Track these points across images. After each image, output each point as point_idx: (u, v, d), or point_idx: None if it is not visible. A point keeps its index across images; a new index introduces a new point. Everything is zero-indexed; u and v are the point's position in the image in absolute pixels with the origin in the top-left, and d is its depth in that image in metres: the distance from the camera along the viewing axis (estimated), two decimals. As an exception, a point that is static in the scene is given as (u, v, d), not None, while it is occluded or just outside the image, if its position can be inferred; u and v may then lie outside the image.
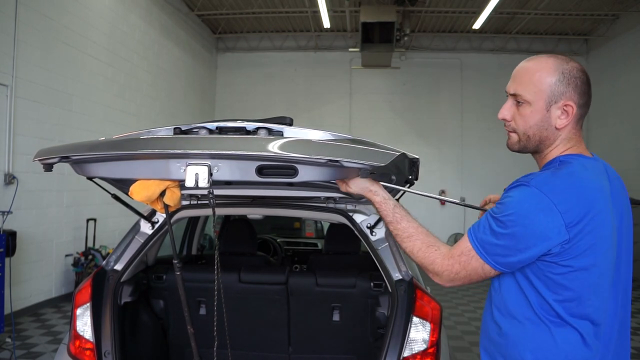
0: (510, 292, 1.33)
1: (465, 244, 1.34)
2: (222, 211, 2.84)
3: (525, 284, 1.30)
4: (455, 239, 11.50)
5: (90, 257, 6.72)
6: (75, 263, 6.66)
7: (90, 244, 7.02)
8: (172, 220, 2.44)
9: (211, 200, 1.62)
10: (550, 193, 1.22)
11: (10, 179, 5.58)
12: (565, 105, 1.34)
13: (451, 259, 1.34)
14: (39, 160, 1.57)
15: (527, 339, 1.29)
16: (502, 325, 1.34)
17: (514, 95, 1.38)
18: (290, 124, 1.72)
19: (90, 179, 1.79)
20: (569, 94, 1.34)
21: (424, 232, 1.45)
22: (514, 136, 1.43)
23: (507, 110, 1.41)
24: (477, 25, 10.58)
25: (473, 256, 1.31)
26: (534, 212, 1.22)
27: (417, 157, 1.69)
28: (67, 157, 1.54)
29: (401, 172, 1.67)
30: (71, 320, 2.34)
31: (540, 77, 1.34)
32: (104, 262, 2.53)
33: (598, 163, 1.38)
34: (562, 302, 1.25)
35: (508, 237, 1.25)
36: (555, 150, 1.39)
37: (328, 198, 2.47)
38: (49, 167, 1.60)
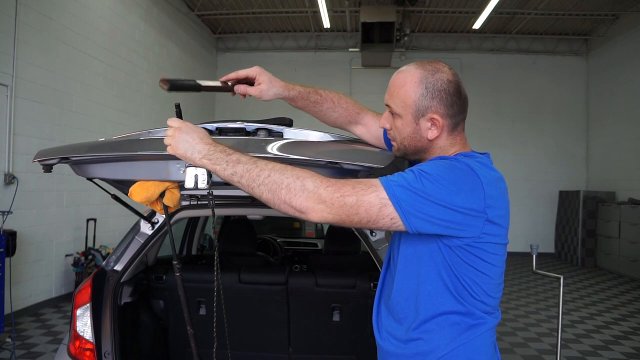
0: None
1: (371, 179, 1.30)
2: (221, 211, 2.84)
3: None
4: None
5: (90, 257, 6.72)
6: (75, 263, 6.66)
7: (90, 244, 7.02)
8: (171, 221, 2.44)
9: (211, 201, 1.62)
10: None
11: (10, 179, 5.58)
12: (432, 119, 1.33)
13: (346, 185, 1.19)
14: (39, 161, 1.57)
15: None
16: None
17: (388, 106, 1.40)
18: (290, 125, 1.72)
19: (90, 179, 1.79)
20: (434, 107, 1.33)
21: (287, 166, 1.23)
22: (395, 144, 1.43)
23: (385, 119, 1.43)
24: (477, 25, 10.58)
25: (377, 186, 1.24)
26: None
27: None
28: (66, 158, 1.55)
29: (401, 173, 1.67)
30: (71, 320, 2.34)
31: (406, 92, 1.34)
32: (104, 263, 2.53)
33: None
34: None
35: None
36: (439, 151, 1.40)
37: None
38: (48, 168, 1.60)
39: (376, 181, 1.19)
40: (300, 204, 1.17)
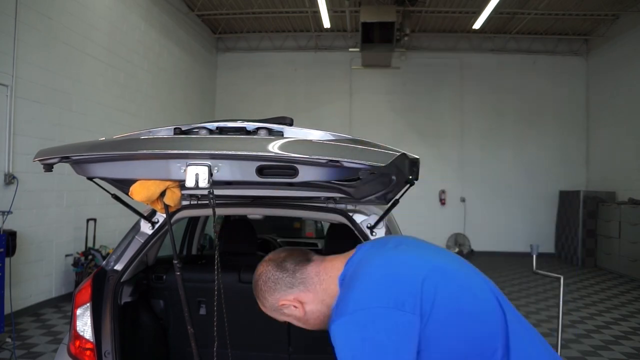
0: None
1: None
2: (222, 211, 2.84)
3: None
4: (455, 239, 11.51)
5: (90, 257, 6.72)
6: (75, 263, 6.66)
7: (90, 244, 7.02)
8: (172, 220, 2.44)
9: (211, 201, 1.62)
10: None
11: (10, 179, 5.58)
12: (282, 305, 1.41)
13: None
14: (39, 160, 1.57)
15: None
16: None
17: None
18: (291, 124, 1.72)
19: (90, 179, 1.78)
20: (272, 299, 1.41)
21: None
22: (313, 329, 1.48)
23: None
24: (477, 25, 10.58)
25: None
26: None
27: (417, 157, 1.68)
28: (67, 158, 1.54)
29: (401, 172, 1.67)
30: (71, 320, 2.34)
31: (265, 312, 1.46)
32: (104, 262, 2.52)
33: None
34: None
35: None
36: (324, 302, 1.39)
37: (328, 198, 2.46)
38: (49, 168, 1.60)
39: None
40: None
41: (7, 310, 4.79)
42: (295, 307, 1.39)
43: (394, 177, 1.74)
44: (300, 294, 1.38)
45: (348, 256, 1.40)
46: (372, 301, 1.16)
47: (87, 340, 2.26)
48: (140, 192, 1.61)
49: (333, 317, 1.25)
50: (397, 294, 1.16)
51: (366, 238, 2.43)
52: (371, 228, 2.44)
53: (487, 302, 1.24)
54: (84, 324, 2.29)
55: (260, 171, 1.50)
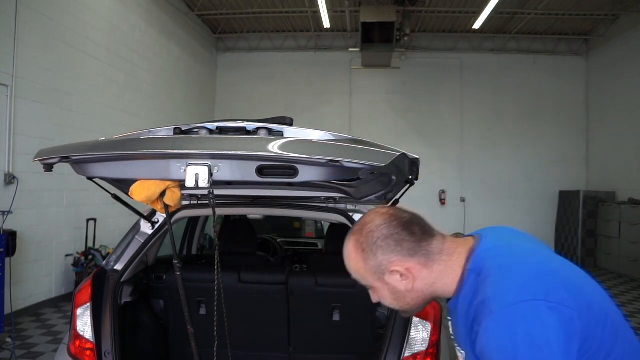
0: None
1: None
2: (222, 211, 2.84)
3: None
4: (455, 239, 11.49)
5: (90, 257, 6.72)
6: (76, 263, 6.66)
7: (90, 244, 7.02)
8: (172, 220, 2.44)
9: (211, 201, 1.62)
10: None
11: (10, 179, 5.58)
12: (392, 272, 1.20)
13: None
14: (40, 160, 1.57)
15: None
16: None
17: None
18: (291, 124, 1.72)
19: (90, 179, 1.79)
20: (385, 260, 1.20)
21: None
22: (401, 311, 1.34)
23: (372, 295, 1.31)
24: (477, 25, 10.57)
25: None
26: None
27: (417, 157, 1.69)
28: (67, 158, 1.54)
29: (401, 172, 1.67)
30: (71, 320, 2.34)
31: (354, 265, 1.25)
32: (104, 262, 2.53)
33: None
34: None
35: None
36: (448, 280, 1.22)
37: (328, 198, 2.47)
38: (49, 168, 1.60)
39: None
40: None
41: (7, 310, 4.79)
42: (403, 278, 1.21)
43: (394, 177, 1.74)
44: (417, 266, 1.20)
45: (469, 244, 1.24)
46: (534, 294, 1.05)
47: (87, 340, 2.26)
48: (141, 192, 1.61)
49: (482, 310, 1.08)
50: (556, 290, 1.08)
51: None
52: (371, 228, 2.44)
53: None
54: (84, 324, 2.29)
55: (260, 171, 1.50)
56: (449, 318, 1.36)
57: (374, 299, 1.31)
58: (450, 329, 1.37)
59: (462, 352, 1.25)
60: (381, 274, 1.21)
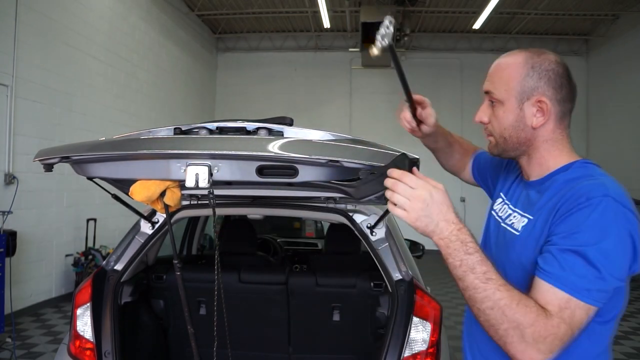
0: None
1: (554, 294, 1.07)
2: (222, 211, 2.84)
3: None
4: (455, 239, 11.50)
5: (90, 257, 6.72)
6: (76, 263, 6.66)
7: (90, 244, 7.03)
8: (172, 220, 2.44)
9: (211, 201, 1.62)
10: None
11: (10, 179, 5.58)
12: (539, 102, 1.21)
13: (553, 318, 1.05)
14: (39, 160, 1.57)
15: None
16: None
17: (488, 94, 1.30)
18: (291, 124, 1.72)
19: (90, 179, 1.78)
20: (541, 88, 1.21)
21: (504, 283, 1.09)
22: (492, 139, 1.33)
23: (483, 112, 1.32)
24: (477, 25, 10.58)
25: (576, 305, 1.07)
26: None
27: (417, 157, 1.69)
28: (67, 157, 1.54)
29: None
30: (71, 320, 2.34)
31: (509, 74, 1.24)
32: (104, 262, 2.52)
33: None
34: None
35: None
36: (552, 155, 1.26)
37: (328, 198, 2.47)
38: (49, 167, 1.60)
39: (567, 298, 1.06)
40: (515, 353, 1.08)
41: (7, 310, 4.79)
42: (538, 114, 1.22)
43: (394, 177, 1.74)
44: (555, 115, 1.23)
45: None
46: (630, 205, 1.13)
47: (87, 340, 2.26)
48: (141, 192, 1.61)
49: (594, 189, 1.11)
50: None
51: (366, 238, 2.43)
52: (371, 228, 2.45)
53: None
54: (84, 324, 2.29)
55: (260, 171, 1.50)
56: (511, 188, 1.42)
57: (480, 117, 1.33)
58: (506, 198, 1.41)
59: (526, 217, 1.26)
60: (525, 98, 1.23)
